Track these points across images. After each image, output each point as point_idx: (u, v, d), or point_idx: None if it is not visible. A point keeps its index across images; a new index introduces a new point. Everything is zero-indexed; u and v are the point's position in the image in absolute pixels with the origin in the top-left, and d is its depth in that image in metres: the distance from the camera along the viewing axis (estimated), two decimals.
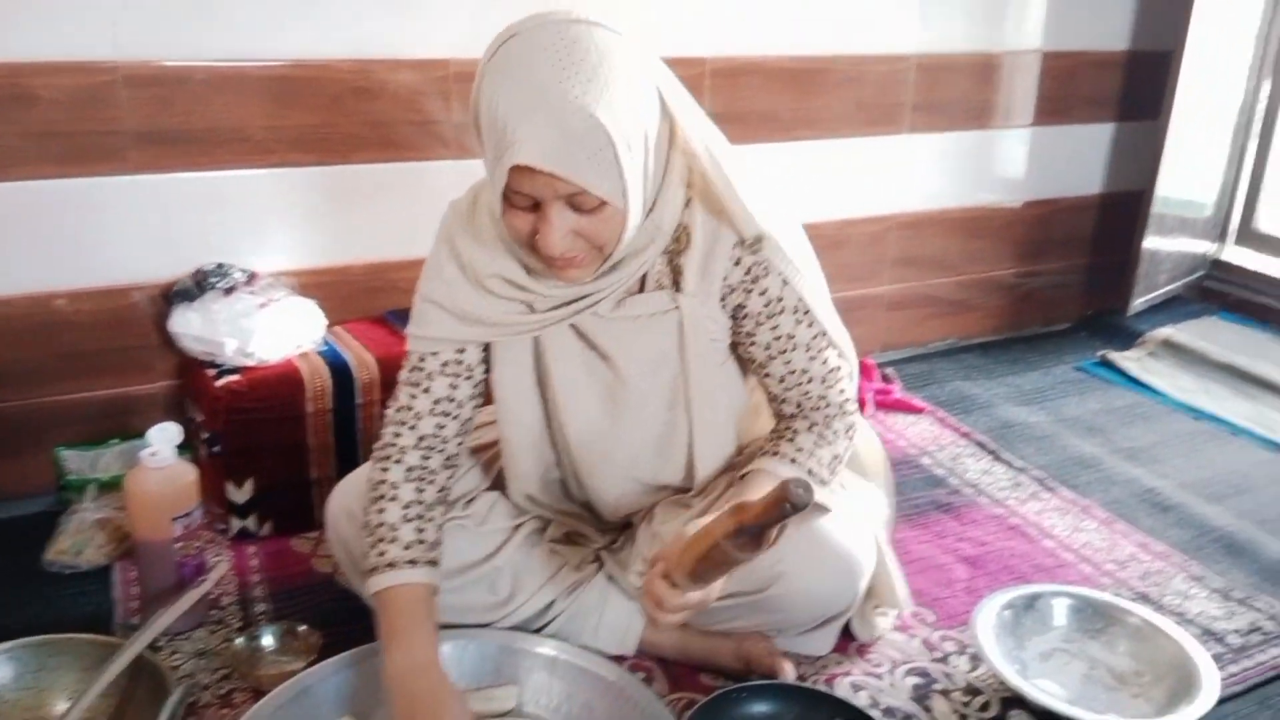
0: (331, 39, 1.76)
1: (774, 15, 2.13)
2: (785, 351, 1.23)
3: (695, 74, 2.08)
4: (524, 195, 1.03)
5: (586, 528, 1.41)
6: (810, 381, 1.26)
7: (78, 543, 1.54)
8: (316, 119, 1.78)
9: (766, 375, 1.27)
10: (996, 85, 2.45)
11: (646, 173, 1.07)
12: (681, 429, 1.27)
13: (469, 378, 1.25)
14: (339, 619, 1.41)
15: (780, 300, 1.20)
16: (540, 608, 1.35)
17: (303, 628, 1.36)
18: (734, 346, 1.29)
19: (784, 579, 1.25)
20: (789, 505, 0.93)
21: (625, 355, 1.23)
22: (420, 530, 1.20)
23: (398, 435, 1.24)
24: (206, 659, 1.35)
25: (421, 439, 1.24)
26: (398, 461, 1.23)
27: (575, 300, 1.18)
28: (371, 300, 1.92)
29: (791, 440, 1.25)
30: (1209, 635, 1.49)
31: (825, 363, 1.25)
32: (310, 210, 1.83)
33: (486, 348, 1.26)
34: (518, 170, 1.00)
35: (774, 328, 1.22)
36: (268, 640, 1.36)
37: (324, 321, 1.76)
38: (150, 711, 1.12)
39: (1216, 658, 1.41)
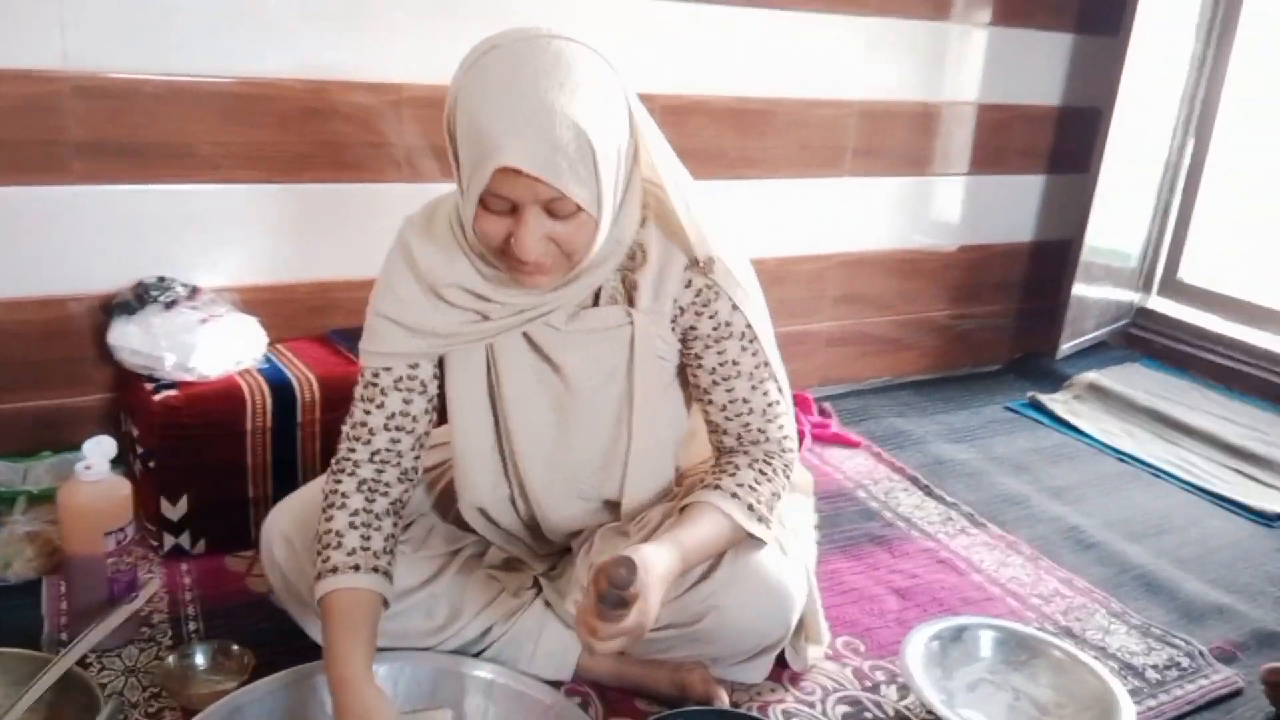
0: (285, 58, 1.76)
1: (723, 57, 2.19)
2: (729, 379, 1.26)
3: (646, 109, 2.11)
4: (503, 199, 1.06)
5: (526, 554, 1.41)
6: (751, 413, 1.28)
7: (6, 555, 1.50)
8: (266, 137, 1.78)
9: (710, 402, 1.30)
10: (934, 134, 2.54)
11: (617, 186, 1.11)
12: (623, 445, 1.29)
13: (422, 393, 1.26)
14: (272, 639, 1.39)
15: (729, 325, 1.24)
16: (478, 633, 1.35)
17: (235, 647, 1.34)
18: (680, 370, 1.31)
19: (718, 611, 1.27)
20: (611, 585, 1.02)
21: (576, 368, 1.25)
22: (366, 538, 1.20)
23: (352, 450, 1.25)
24: (137, 676, 1.33)
25: (375, 453, 1.24)
26: (350, 474, 1.23)
27: (530, 309, 1.20)
28: (315, 319, 1.91)
29: (733, 475, 1.25)
30: (1128, 669, 1.54)
31: (766, 395, 1.28)
32: (256, 227, 1.83)
33: (440, 363, 1.27)
34: (500, 174, 1.03)
35: (720, 352, 1.25)
36: (199, 659, 1.33)
37: (265, 339, 1.74)
38: None
39: (1135, 692, 1.46)
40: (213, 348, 1.62)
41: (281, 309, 1.85)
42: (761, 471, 1.27)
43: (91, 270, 1.70)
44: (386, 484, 1.25)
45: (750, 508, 1.23)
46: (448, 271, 1.19)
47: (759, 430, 1.29)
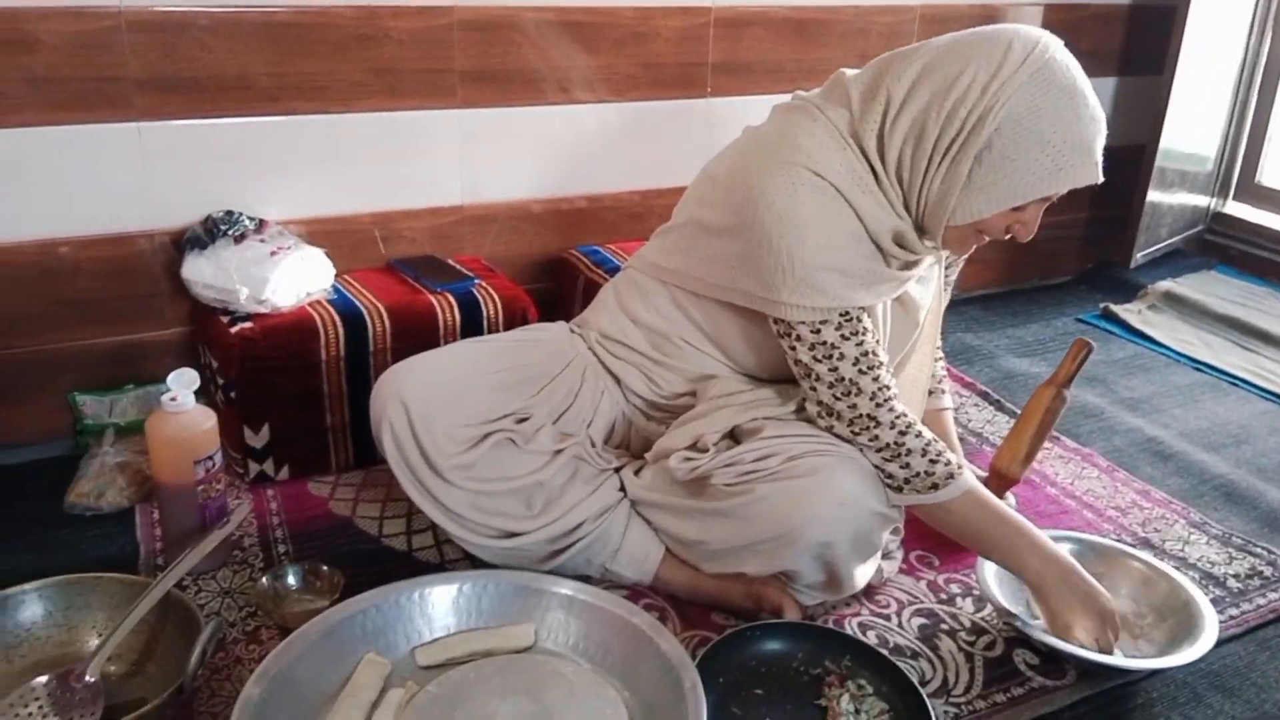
0: None
1: None
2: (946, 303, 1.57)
3: (699, 24, 2.07)
4: (1045, 200, 1.22)
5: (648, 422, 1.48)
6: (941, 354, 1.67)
7: (99, 485, 1.56)
8: (320, 66, 1.77)
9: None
10: None
11: None
12: (916, 364, 1.49)
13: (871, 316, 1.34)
14: (359, 560, 1.44)
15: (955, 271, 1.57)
16: (569, 528, 1.37)
17: (325, 567, 1.39)
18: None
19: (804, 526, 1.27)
20: (1089, 350, 1.55)
21: (915, 297, 1.42)
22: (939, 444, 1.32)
23: (877, 379, 1.29)
24: (232, 597, 1.38)
25: (889, 369, 1.32)
26: (897, 396, 1.30)
27: (918, 261, 1.33)
28: (376, 250, 1.92)
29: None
30: (1209, 579, 1.52)
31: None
32: (315, 158, 1.83)
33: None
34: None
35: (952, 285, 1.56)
36: (291, 580, 1.38)
37: (333, 270, 1.76)
38: (181, 647, 1.14)
39: (1216, 601, 1.45)
40: (284, 280, 1.63)
41: (345, 240, 1.87)
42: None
43: (160, 206, 1.72)
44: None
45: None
46: (887, 220, 1.26)
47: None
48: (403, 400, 1.34)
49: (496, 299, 1.76)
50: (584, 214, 2.09)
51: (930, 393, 1.62)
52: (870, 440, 1.28)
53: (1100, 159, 1.20)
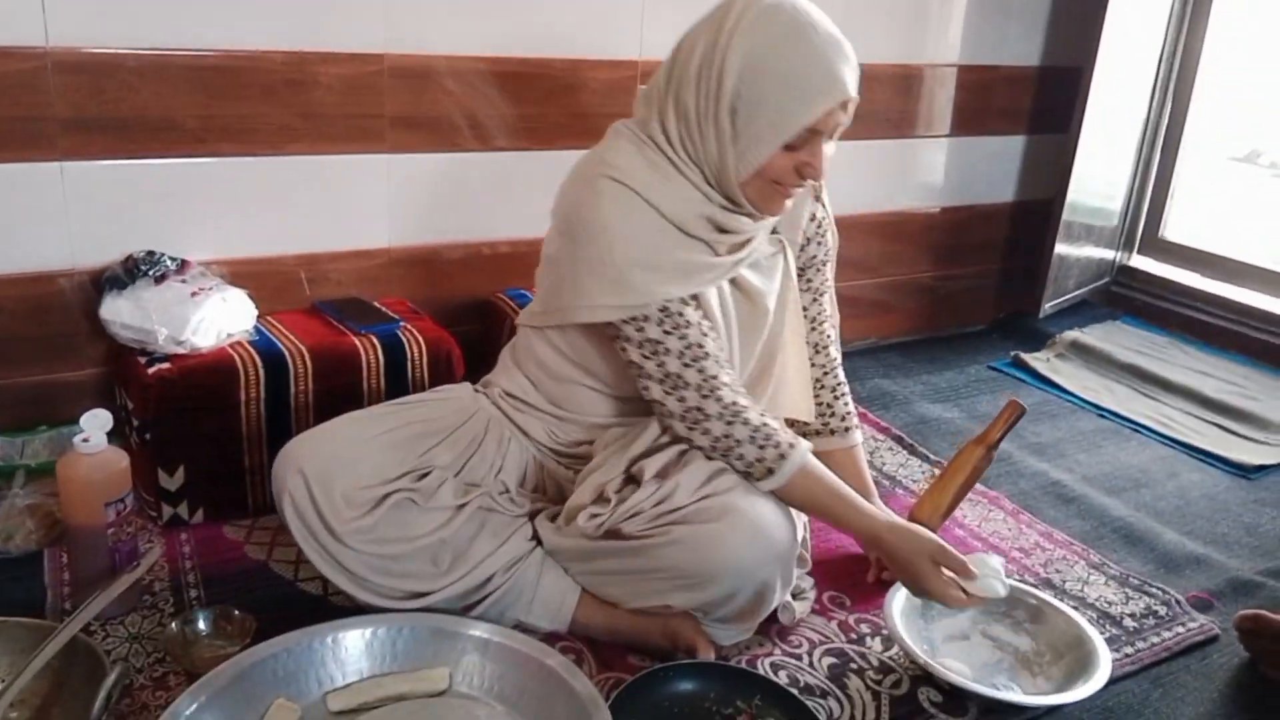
0: (265, 30, 1.76)
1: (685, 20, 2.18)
2: (821, 294, 1.59)
3: (626, 76, 2.13)
4: (815, 133, 1.26)
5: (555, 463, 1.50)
6: (834, 329, 1.64)
7: (7, 528, 1.52)
8: (248, 109, 1.79)
9: (821, 320, 1.62)
10: (916, 96, 2.55)
11: None
12: (777, 358, 1.50)
13: (695, 307, 1.36)
14: (272, 604, 1.43)
15: (830, 250, 1.56)
16: (479, 581, 1.37)
17: (236, 612, 1.37)
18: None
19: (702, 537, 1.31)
20: (1021, 413, 1.64)
21: (753, 286, 1.42)
22: (774, 419, 1.37)
23: (702, 370, 1.34)
24: (141, 643, 1.36)
25: (715, 360, 1.35)
26: (729, 386, 1.35)
27: (744, 244, 1.38)
28: (302, 291, 1.93)
29: (850, 411, 1.66)
30: (1106, 618, 1.58)
31: (837, 311, 1.62)
32: (242, 200, 1.84)
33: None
34: (829, 110, 1.24)
35: (824, 277, 1.56)
36: (202, 625, 1.36)
37: (255, 311, 1.76)
38: (86, 693, 1.12)
39: (1113, 640, 1.51)
40: (204, 320, 1.63)
41: (270, 281, 1.87)
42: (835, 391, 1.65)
43: (80, 246, 1.71)
44: (736, 380, 1.40)
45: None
46: (687, 205, 1.33)
47: (835, 344, 1.63)
48: (300, 469, 1.32)
49: (421, 341, 1.77)
50: (510, 258, 2.12)
51: (833, 431, 1.66)
52: (703, 434, 1.34)
53: (848, 76, 1.26)
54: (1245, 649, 1.51)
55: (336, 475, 1.33)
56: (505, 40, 1.98)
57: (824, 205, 1.54)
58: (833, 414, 1.65)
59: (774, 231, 1.46)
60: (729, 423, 1.33)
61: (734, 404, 1.34)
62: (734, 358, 1.43)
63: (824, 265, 1.58)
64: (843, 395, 1.66)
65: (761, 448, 1.32)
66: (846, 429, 1.67)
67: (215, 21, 1.72)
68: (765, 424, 1.34)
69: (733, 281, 1.41)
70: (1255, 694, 1.44)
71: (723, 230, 1.36)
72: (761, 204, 1.35)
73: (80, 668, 1.18)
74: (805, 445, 1.35)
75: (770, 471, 1.32)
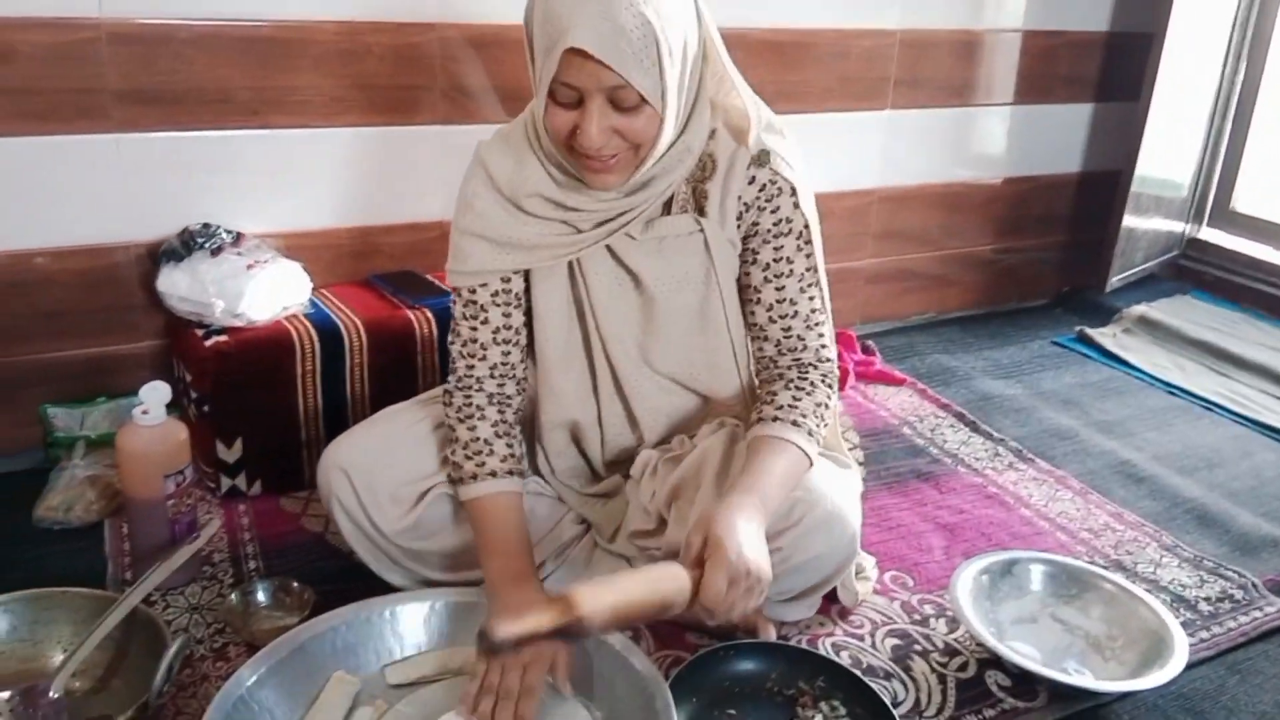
0: (310, 0, 1.75)
1: None
2: (781, 276, 1.28)
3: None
4: (570, 89, 1.09)
5: (578, 493, 1.43)
6: (795, 317, 1.29)
7: (68, 499, 1.54)
8: (302, 81, 1.78)
9: (758, 303, 1.30)
10: (978, 63, 2.47)
11: (683, 84, 1.13)
12: (712, 347, 1.34)
13: (519, 306, 1.31)
14: (330, 576, 1.43)
15: (789, 221, 1.26)
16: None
17: (295, 584, 1.38)
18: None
19: (786, 553, 1.25)
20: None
21: (652, 274, 1.28)
22: (509, 445, 1.29)
23: (471, 368, 1.31)
24: (201, 614, 1.37)
25: (493, 368, 1.31)
26: (478, 389, 1.30)
27: (611, 220, 1.24)
28: (357, 264, 1.92)
29: (778, 403, 1.26)
30: (1180, 602, 1.53)
31: (812, 300, 1.29)
32: (296, 173, 1.83)
33: (527, 276, 1.30)
34: (569, 59, 1.06)
35: (778, 248, 1.27)
36: (261, 596, 1.37)
37: (310, 284, 1.75)
38: (147, 664, 1.13)
39: (1187, 624, 1.46)
40: (260, 293, 1.63)
41: (323, 254, 1.86)
42: (799, 388, 1.28)
43: (136, 218, 1.71)
44: (509, 396, 1.33)
45: (796, 424, 1.24)
46: (523, 180, 1.22)
47: (798, 337, 1.30)
48: (344, 468, 1.31)
49: None
50: None
51: (761, 419, 1.27)
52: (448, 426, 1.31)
53: (581, 23, 1.04)
54: None
55: (378, 475, 1.31)
56: None
57: (777, 171, 1.24)
58: (758, 402, 1.32)
59: (699, 211, 1.27)
60: (458, 421, 1.29)
61: (467, 407, 1.29)
62: (611, 341, 1.32)
63: (775, 238, 1.27)
64: (769, 386, 1.31)
65: (466, 460, 1.27)
66: (777, 418, 1.25)
67: None
68: (487, 442, 1.27)
69: (622, 264, 1.29)
70: None
71: (565, 207, 1.23)
72: (580, 174, 1.19)
73: (141, 638, 1.19)
74: (494, 486, 1.25)
75: (460, 481, 1.27)
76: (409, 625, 1.26)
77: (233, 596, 1.35)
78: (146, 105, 1.67)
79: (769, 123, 1.27)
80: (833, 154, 2.37)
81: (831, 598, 1.44)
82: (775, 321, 1.30)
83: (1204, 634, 1.46)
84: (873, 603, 1.49)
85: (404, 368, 1.69)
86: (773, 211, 1.25)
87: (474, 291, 1.29)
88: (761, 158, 1.23)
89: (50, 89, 1.60)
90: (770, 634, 1.36)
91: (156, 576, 1.24)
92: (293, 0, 1.73)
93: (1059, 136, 2.70)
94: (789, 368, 1.31)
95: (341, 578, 1.42)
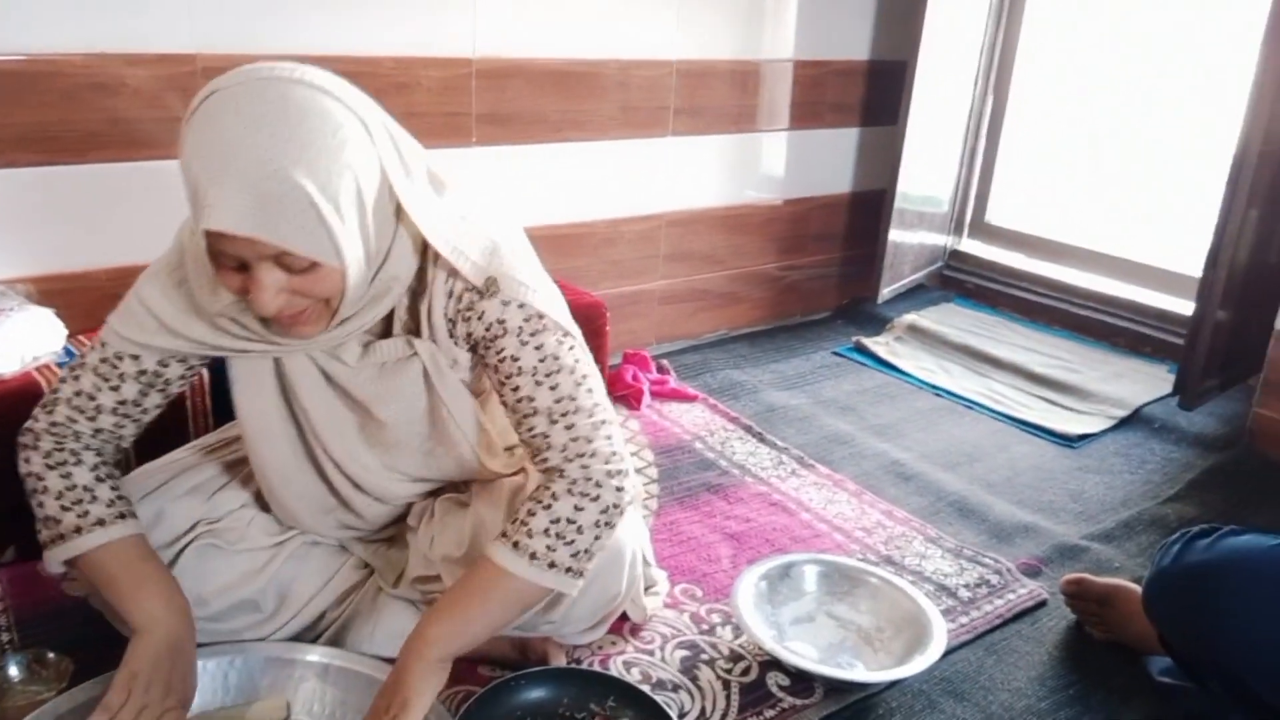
0: (62, 33, 1.66)
1: (539, 19, 2.18)
2: (511, 376, 1.17)
3: (461, 74, 2.10)
4: (229, 256, 0.99)
5: (352, 541, 1.40)
6: (536, 414, 1.16)
7: None
8: (48, 116, 1.68)
9: (505, 406, 1.21)
10: (753, 91, 2.60)
11: (366, 229, 1.04)
12: (456, 454, 1.28)
13: (162, 390, 1.22)
14: (92, 643, 1.34)
15: (502, 323, 1.16)
16: (310, 620, 1.34)
17: (52, 655, 1.29)
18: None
19: (561, 601, 1.25)
20: None
21: (377, 401, 1.22)
22: (115, 488, 1.20)
23: (73, 420, 1.19)
24: None
25: (98, 431, 1.21)
26: (76, 438, 1.20)
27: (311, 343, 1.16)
28: (115, 307, 1.81)
29: (525, 523, 1.14)
30: (943, 590, 1.65)
31: (555, 389, 1.16)
32: (44, 213, 1.73)
33: (193, 364, 1.22)
34: (215, 232, 0.96)
35: (499, 351, 1.17)
36: (14, 670, 1.27)
37: (65, 331, 1.65)
38: None
39: (949, 611, 1.57)
40: (5, 343, 1.52)
41: (81, 298, 1.76)
42: (537, 500, 1.15)
43: None
44: (110, 454, 1.24)
45: (534, 556, 1.13)
46: (213, 303, 1.13)
47: (543, 435, 1.17)
48: None
49: None
50: None
51: (499, 533, 1.18)
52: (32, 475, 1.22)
53: (217, 203, 0.94)
54: (1072, 610, 1.59)
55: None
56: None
57: (462, 277, 1.15)
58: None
59: (416, 331, 1.21)
60: (46, 469, 1.18)
61: (58, 453, 1.19)
62: (342, 460, 1.26)
63: (492, 340, 1.17)
64: (530, 503, 1.17)
65: (67, 510, 1.17)
66: (501, 534, 1.17)
67: (12, 23, 1.62)
68: (84, 489, 1.17)
69: (340, 389, 1.23)
70: (1082, 654, 1.52)
71: (244, 324, 1.15)
72: (270, 326, 1.13)
73: None
74: (107, 535, 1.15)
75: (57, 540, 1.17)
76: None
77: None
78: None
79: (484, 241, 1.16)
80: (618, 180, 2.43)
81: (624, 615, 1.47)
82: (521, 423, 1.19)
83: (963, 619, 1.57)
84: (663, 617, 1.53)
85: (170, 416, 1.61)
86: (479, 318, 1.16)
87: (120, 359, 1.17)
88: (490, 286, 1.15)
89: None
90: (560, 659, 1.38)
91: None
92: (38, 34, 1.64)
93: (830, 159, 2.87)
94: (542, 475, 1.20)
95: (105, 644, 1.33)
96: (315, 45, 1.88)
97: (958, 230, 3.16)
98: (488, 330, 1.17)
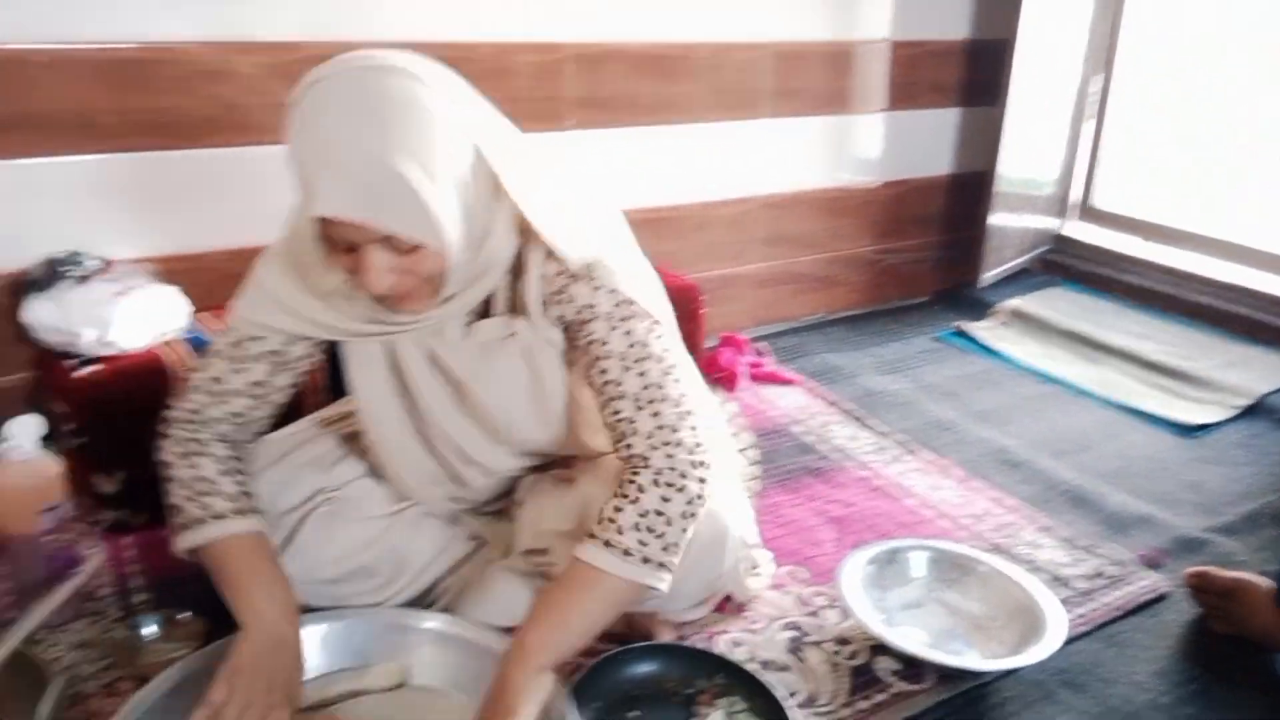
0: (178, 21, 1.72)
1: (632, 3, 2.18)
2: (600, 359, 1.17)
3: (556, 59, 2.11)
4: (338, 239, 1.03)
5: (466, 513, 1.43)
6: (623, 398, 1.16)
7: None
8: (166, 102, 1.74)
9: (593, 391, 1.22)
10: (849, 72, 2.56)
11: (468, 210, 1.07)
12: (551, 428, 1.29)
13: (290, 370, 1.25)
14: (221, 606, 1.39)
15: (592, 307, 1.17)
16: (424, 587, 1.37)
17: (184, 615, 1.34)
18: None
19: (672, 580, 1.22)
20: None
21: (478, 379, 1.24)
22: (240, 483, 1.22)
23: (207, 406, 1.23)
24: (86, 650, 1.33)
25: (234, 414, 1.24)
26: (207, 425, 1.23)
27: (416, 321, 1.18)
28: (234, 286, 1.85)
29: (613, 520, 1.13)
30: (1057, 580, 1.60)
31: (643, 376, 1.16)
32: (165, 196, 1.79)
33: (318, 340, 1.25)
34: (324, 218, 1.01)
35: (589, 335, 1.18)
36: (149, 629, 1.34)
37: (189, 308, 1.71)
38: (30, 704, 1.09)
39: (1064, 601, 1.52)
40: (132, 320, 1.59)
41: (201, 278, 1.82)
42: (624, 495, 1.14)
43: None
44: (242, 440, 1.27)
45: (627, 553, 1.12)
46: (324, 279, 1.16)
47: (628, 420, 1.16)
48: None
49: None
50: None
51: (587, 534, 1.16)
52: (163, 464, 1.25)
53: (328, 189, 0.98)
54: (1196, 604, 1.54)
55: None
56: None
57: (556, 259, 1.17)
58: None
59: (518, 311, 1.22)
60: (177, 458, 1.22)
61: (191, 443, 1.22)
62: (452, 436, 1.29)
63: (582, 325, 1.18)
64: (617, 499, 1.16)
65: (188, 501, 1.20)
66: (589, 535, 1.16)
67: (124, 13, 1.67)
68: (211, 482, 1.20)
69: (444, 371, 1.25)
70: (1204, 649, 1.47)
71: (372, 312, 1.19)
72: (380, 304, 1.16)
73: (25, 680, 1.15)
74: (223, 529, 1.18)
75: (182, 529, 1.20)
76: (306, 649, 1.23)
77: (119, 631, 1.32)
78: (5, 132, 1.61)
79: (584, 225, 1.18)
80: (713, 163, 2.42)
81: (728, 595, 1.47)
82: (606, 406, 1.19)
83: (1080, 610, 1.53)
84: (767, 598, 1.52)
85: None
86: (569, 302, 1.17)
87: (247, 341, 1.21)
88: (583, 270, 1.15)
89: None
90: (667, 635, 1.38)
91: (37, 615, 1.20)
92: (154, 22, 1.69)
93: (929, 141, 2.81)
94: (624, 466, 1.18)
95: None
96: (413, 33, 1.91)
97: (1063, 213, 3.07)
98: (578, 314, 1.18)
